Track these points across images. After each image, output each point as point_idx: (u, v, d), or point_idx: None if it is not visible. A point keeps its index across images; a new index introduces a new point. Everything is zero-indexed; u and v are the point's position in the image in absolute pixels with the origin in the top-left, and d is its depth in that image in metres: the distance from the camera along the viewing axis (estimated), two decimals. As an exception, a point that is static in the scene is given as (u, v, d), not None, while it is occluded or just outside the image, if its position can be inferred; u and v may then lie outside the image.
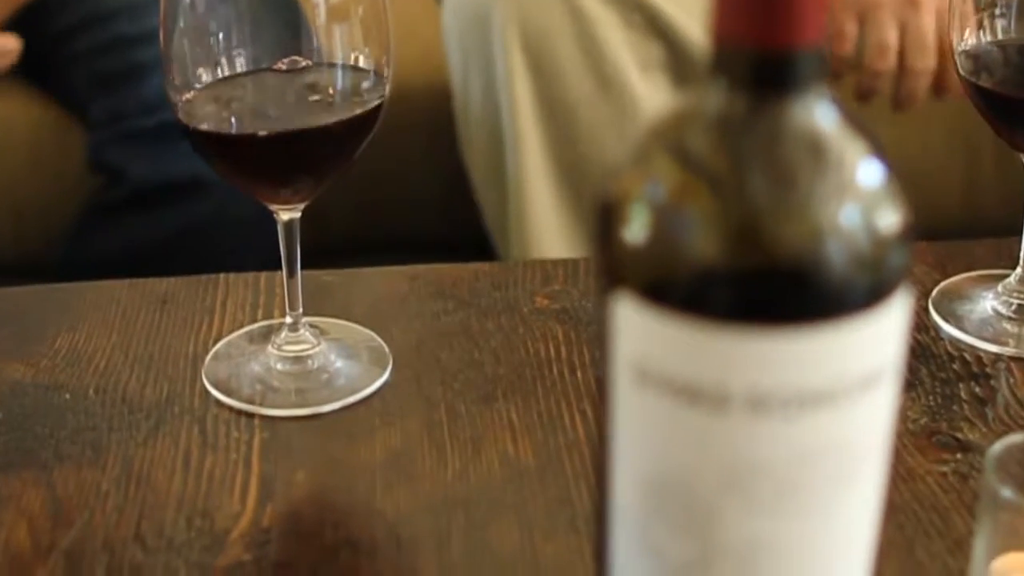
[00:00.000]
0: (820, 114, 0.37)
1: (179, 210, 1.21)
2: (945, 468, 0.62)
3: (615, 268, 0.38)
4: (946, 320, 0.74)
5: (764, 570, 0.39)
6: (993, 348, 0.71)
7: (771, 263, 0.36)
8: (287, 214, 0.67)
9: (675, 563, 0.39)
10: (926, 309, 0.75)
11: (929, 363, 0.70)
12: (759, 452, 0.37)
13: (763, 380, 0.36)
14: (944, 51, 1.04)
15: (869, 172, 0.37)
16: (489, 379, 0.69)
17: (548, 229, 1.15)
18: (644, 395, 0.38)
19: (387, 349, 0.72)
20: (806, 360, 0.36)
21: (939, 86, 1.07)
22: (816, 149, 0.37)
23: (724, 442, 0.37)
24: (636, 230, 0.37)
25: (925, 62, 1.06)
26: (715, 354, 0.36)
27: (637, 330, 0.37)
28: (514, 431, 0.65)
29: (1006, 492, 0.48)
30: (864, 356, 0.37)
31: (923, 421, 0.66)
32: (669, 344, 0.36)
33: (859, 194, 0.37)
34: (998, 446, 0.50)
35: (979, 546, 0.50)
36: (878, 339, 0.37)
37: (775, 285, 0.36)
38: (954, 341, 0.72)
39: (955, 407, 0.67)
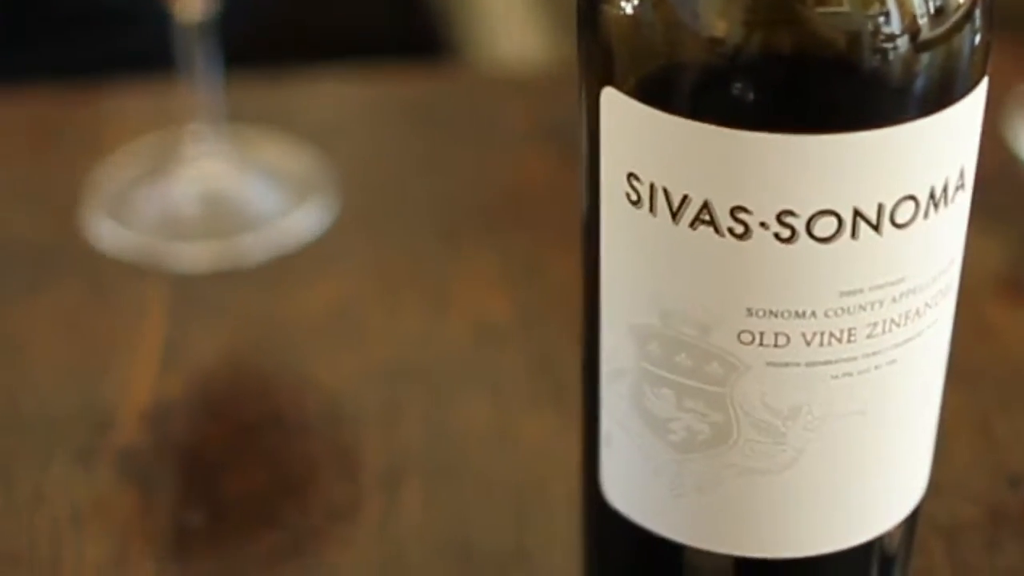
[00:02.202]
0: None
1: (106, 43, 1.20)
2: (1033, 322, 0.63)
3: (601, 59, 0.37)
4: (1037, 136, 0.73)
5: (798, 444, 0.38)
6: (1097, 171, 0.72)
7: (805, 48, 0.35)
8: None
9: (683, 439, 0.39)
10: (1007, 123, 0.74)
11: (1015, 192, 0.70)
12: (788, 290, 0.36)
13: (794, 199, 0.35)
14: None
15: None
16: (457, 215, 0.70)
17: (516, 17, 1.14)
18: (641, 220, 0.37)
19: (328, 177, 0.71)
20: (848, 175, 0.35)
21: None
22: None
23: (744, 277, 0.36)
24: (628, 6, 0.36)
25: None
26: (732, 166, 0.35)
27: (631, 137, 0.37)
28: (488, 280, 0.65)
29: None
30: (925, 171, 0.36)
31: (1006, 266, 0.66)
32: (673, 154, 0.36)
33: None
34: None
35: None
36: (944, 150, 0.36)
37: (811, 78, 0.35)
38: (1047, 163, 0.73)
39: (1047, 247, 0.67)
